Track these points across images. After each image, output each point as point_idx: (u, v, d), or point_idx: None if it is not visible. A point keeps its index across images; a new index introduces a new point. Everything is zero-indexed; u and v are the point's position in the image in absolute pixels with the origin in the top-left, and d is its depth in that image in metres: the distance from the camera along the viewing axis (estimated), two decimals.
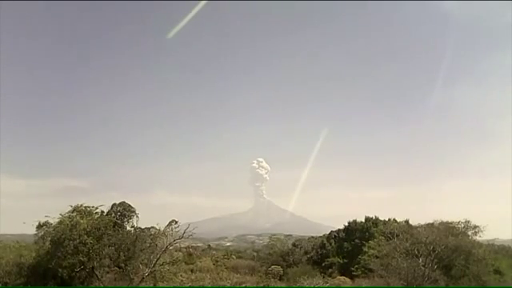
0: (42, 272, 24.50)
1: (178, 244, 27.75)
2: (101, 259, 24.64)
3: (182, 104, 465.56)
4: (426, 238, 31.33)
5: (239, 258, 66.10)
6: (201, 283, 33.39)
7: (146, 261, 25.69)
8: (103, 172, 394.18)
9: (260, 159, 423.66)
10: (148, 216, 31.97)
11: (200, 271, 42.03)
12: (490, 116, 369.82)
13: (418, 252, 31.02)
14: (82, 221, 24.40)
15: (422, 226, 34.33)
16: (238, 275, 39.35)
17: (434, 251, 30.66)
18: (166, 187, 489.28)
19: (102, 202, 28.83)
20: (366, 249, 39.76)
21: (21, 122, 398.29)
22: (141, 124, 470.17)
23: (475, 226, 33.99)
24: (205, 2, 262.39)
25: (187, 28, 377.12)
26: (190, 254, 56.35)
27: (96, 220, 25.30)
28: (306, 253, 55.23)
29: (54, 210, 25.21)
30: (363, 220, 53.59)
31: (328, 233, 59.13)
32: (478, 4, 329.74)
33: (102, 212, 26.78)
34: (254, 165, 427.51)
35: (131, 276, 25.38)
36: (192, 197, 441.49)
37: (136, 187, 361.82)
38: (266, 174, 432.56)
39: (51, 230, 24.93)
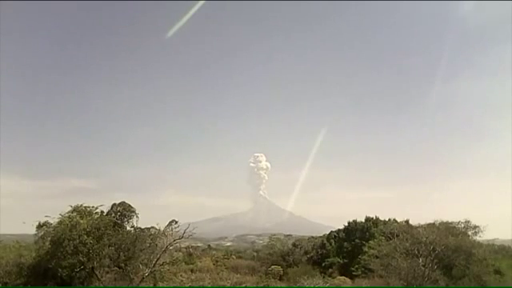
0: (42, 272, 24.48)
1: (178, 244, 27.75)
2: (101, 259, 24.61)
3: (182, 104, 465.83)
4: (426, 237, 31.31)
5: (239, 257, 66.13)
6: (201, 283, 33.43)
7: (145, 261, 25.68)
8: (107, 172, 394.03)
9: (258, 154, 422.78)
10: (149, 216, 31.99)
11: (200, 271, 42.06)
12: (489, 115, 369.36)
13: (418, 252, 31.01)
14: (81, 221, 24.39)
15: (422, 225, 34.28)
16: (238, 275, 39.39)
17: (434, 251, 30.65)
18: (166, 187, 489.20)
19: (109, 203, 28.90)
20: (366, 249, 39.74)
21: (26, 122, 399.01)
22: (141, 124, 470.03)
23: (475, 226, 34.03)
24: (204, 1, 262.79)
25: (186, 27, 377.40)
26: (190, 254, 56.41)
27: (96, 220, 25.28)
28: (306, 253, 55.22)
29: (62, 211, 25.33)
30: (363, 220, 53.60)
31: (328, 233, 59.10)
32: (477, 2, 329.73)
33: (102, 212, 26.76)
34: (252, 164, 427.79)
35: (131, 276, 25.38)
36: (192, 197, 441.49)
37: (137, 188, 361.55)
38: (266, 172, 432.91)
39: (51, 230, 24.92)
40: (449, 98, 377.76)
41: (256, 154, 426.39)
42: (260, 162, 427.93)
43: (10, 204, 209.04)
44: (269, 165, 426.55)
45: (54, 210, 25.24)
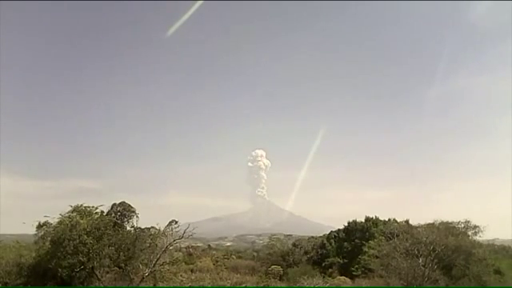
0: (42, 272, 24.45)
1: (178, 244, 27.75)
2: (101, 259, 24.57)
3: (181, 103, 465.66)
4: (426, 237, 31.32)
5: (239, 258, 66.20)
6: (201, 283, 33.43)
7: (145, 261, 25.66)
8: (110, 173, 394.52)
9: (257, 152, 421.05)
10: (149, 216, 32.03)
11: (200, 271, 42.09)
12: (489, 115, 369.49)
13: (418, 252, 31.01)
14: (81, 221, 24.38)
15: (422, 225, 34.31)
16: (238, 275, 39.42)
17: (434, 251, 30.66)
18: (167, 187, 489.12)
19: (112, 203, 28.90)
20: (366, 249, 39.76)
21: (29, 123, 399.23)
22: (142, 124, 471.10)
23: (475, 226, 34.02)
24: (203, 1, 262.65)
25: (186, 26, 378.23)
26: (190, 254, 56.55)
27: (96, 220, 25.27)
28: (306, 253, 55.21)
29: (62, 211, 25.28)
30: (363, 220, 53.61)
31: (328, 233, 59.12)
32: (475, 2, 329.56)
33: (102, 212, 26.75)
34: (250, 164, 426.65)
35: (131, 276, 25.37)
36: (192, 197, 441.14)
37: (138, 188, 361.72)
38: (265, 172, 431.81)
39: (51, 230, 24.91)
40: (448, 98, 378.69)
41: (254, 153, 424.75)
42: (259, 161, 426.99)
43: (14, 204, 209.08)
44: (269, 162, 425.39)
45: (58, 211, 25.29)
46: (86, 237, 23.87)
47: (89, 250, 23.91)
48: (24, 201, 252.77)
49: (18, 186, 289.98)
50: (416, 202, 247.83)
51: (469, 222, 34.20)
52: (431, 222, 34.06)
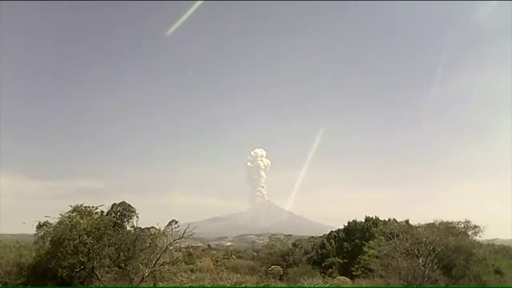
0: (42, 272, 24.47)
1: (178, 244, 27.73)
2: (101, 259, 24.56)
3: (181, 103, 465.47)
4: (426, 237, 31.32)
5: (239, 257, 66.13)
6: (201, 283, 33.37)
7: (145, 261, 25.64)
8: (113, 173, 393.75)
9: (257, 151, 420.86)
10: (149, 216, 32.02)
11: (200, 271, 42.02)
12: (489, 114, 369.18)
13: (418, 252, 31.02)
14: (81, 221, 24.38)
15: (422, 225, 34.34)
16: (238, 275, 39.32)
17: (434, 251, 30.66)
18: (168, 188, 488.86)
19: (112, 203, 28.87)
20: (366, 249, 39.76)
21: (33, 123, 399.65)
22: (142, 124, 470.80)
23: (475, 226, 34.03)
24: (202, 1, 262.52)
25: (186, 25, 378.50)
26: (190, 254, 56.34)
27: (96, 220, 25.27)
28: (306, 253, 55.23)
29: (62, 211, 25.28)
30: (363, 220, 53.62)
31: (328, 233, 59.12)
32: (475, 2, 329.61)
33: (102, 212, 26.76)
34: (249, 164, 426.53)
35: (131, 276, 25.34)
36: (192, 197, 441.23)
37: (139, 188, 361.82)
38: (265, 172, 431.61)
39: (51, 230, 24.91)
40: (449, 97, 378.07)
41: (254, 152, 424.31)
42: (259, 160, 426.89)
43: (14, 204, 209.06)
44: (268, 162, 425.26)
45: (59, 211, 25.27)
46: (86, 237, 23.86)
47: (89, 250, 23.90)
48: (24, 201, 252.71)
49: (18, 186, 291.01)
50: (416, 202, 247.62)
51: (469, 222, 34.24)
52: (431, 221, 34.13)
